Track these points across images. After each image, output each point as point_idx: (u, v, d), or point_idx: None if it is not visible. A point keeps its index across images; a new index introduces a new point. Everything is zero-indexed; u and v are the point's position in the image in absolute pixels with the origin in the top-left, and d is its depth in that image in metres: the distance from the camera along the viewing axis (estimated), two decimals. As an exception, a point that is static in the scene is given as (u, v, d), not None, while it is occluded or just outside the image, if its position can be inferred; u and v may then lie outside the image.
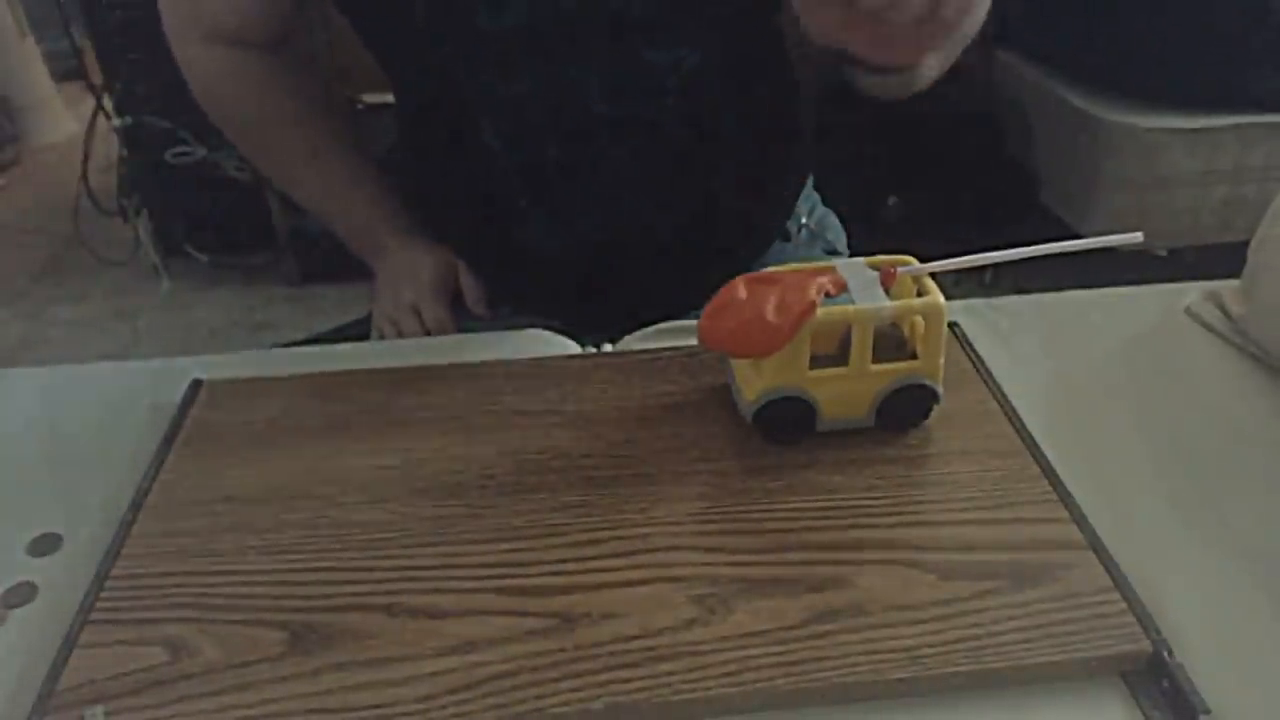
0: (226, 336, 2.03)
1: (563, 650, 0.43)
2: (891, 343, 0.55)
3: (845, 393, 0.54)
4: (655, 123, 0.73)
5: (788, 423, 0.54)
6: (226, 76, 0.78)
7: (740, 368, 0.56)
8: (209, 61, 0.77)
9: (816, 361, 0.52)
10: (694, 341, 0.59)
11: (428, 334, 0.81)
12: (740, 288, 0.52)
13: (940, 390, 0.54)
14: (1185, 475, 0.55)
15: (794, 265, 0.54)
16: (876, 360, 0.53)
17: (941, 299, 0.52)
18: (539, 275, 0.81)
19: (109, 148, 2.12)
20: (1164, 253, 1.79)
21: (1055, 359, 0.64)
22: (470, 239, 0.83)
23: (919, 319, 0.54)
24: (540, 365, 0.63)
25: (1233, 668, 0.43)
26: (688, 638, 0.44)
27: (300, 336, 2.00)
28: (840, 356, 0.53)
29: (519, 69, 0.70)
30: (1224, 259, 0.71)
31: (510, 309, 0.84)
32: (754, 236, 0.83)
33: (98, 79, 2.01)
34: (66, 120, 2.83)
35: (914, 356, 0.54)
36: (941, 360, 0.54)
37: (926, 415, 0.55)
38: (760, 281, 0.52)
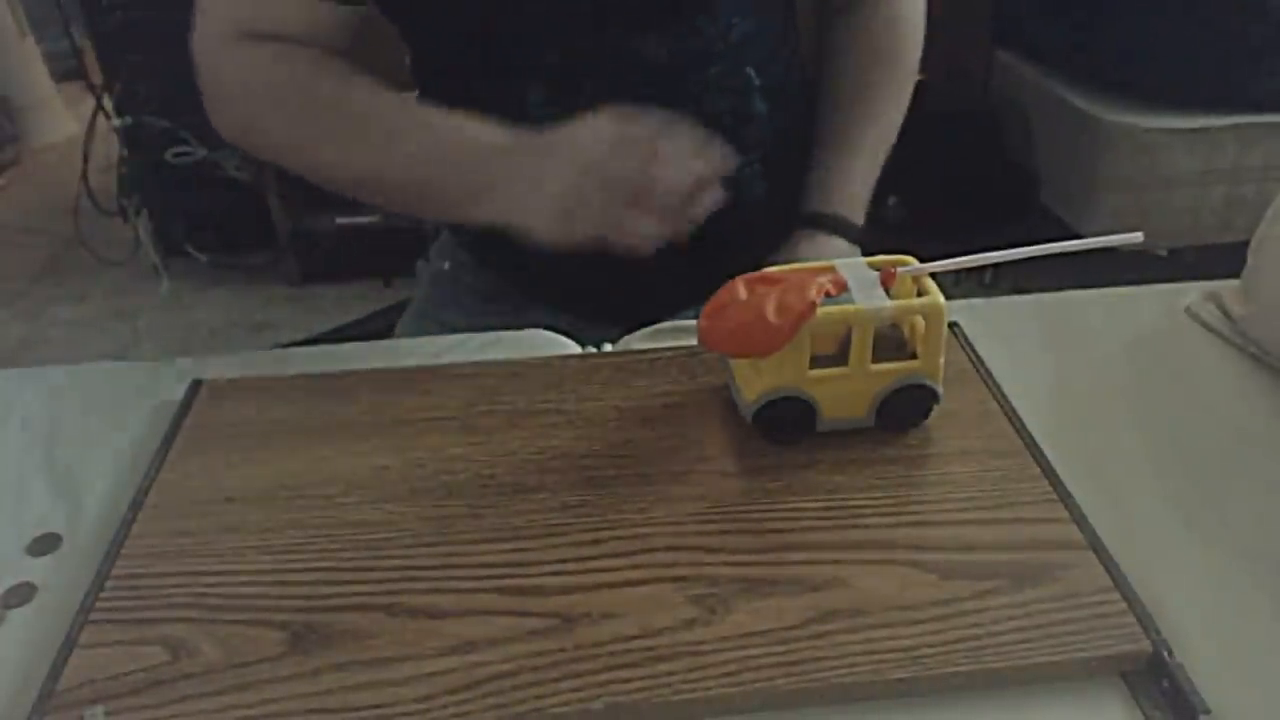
0: (226, 336, 2.03)
1: (563, 650, 0.43)
2: (891, 343, 0.55)
3: (845, 393, 0.54)
4: (694, 95, 0.73)
5: (788, 423, 0.54)
6: (274, 63, 0.70)
7: (740, 368, 0.56)
8: (255, 54, 0.70)
9: (816, 361, 0.52)
10: (694, 341, 0.59)
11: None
12: (740, 288, 0.52)
13: (940, 390, 0.54)
14: (1185, 475, 0.55)
15: (794, 265, 0.54)
16: (876, 360, 0.53)
17: (942, 299, 0.52)
18: (560, 259, 0.80)
19: (109, 148, 2.12)
20: (1164, 253, 1.79)
21: (1055, 359, 0.64)
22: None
23: (919, 319, 0.54)
24: (540, 365, 0.63)
25: (1233, 668, 0.43)
26: (688, 638, 0.44)
27: (300, 336, 2.01)
28: (840, 356, 0.53)
29: (579, 31, 0.70)
30: (1224, 259, 0.71)
31: (522, 296, 0.84)
32: (773, 228, 0.83)
33: (98, 79, 2.01)
34: (66, 120, 2.83)
35: (914, 356, 0.54)
36: (942, 360, 0.54)
37: (926, 415, 0.55)
38: (760, 281, 0.52)
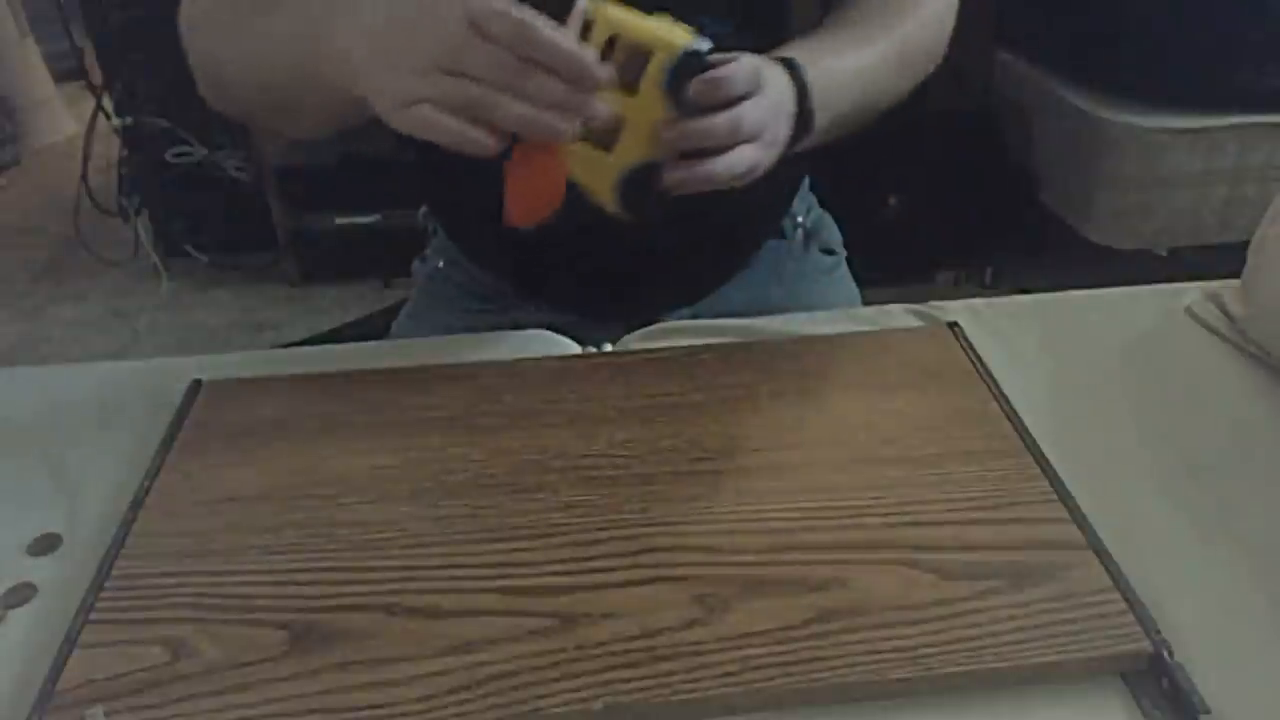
0: (226, 336, 2.03)
1: (563, 650, 0.43)
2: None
3: (644, 134, 0.51)
4: None
5: (646, 193, 0.52)
6: None
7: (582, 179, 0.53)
8: None
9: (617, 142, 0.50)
10: (694, 341, 0.59)
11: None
12: (508, 171, 0.51)
13: (700, 46, 0.49)
14: (1185, 475, 0.55)
15: None
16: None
17: None
18: (554, 255, 0.79)
19: (109, 148, 2.12)
20: (1164, 253, 1.79)
21: (1055, 359, 0.64)
22: (489, 221, 0.79)
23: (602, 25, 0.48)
24: (540, 365, 0.63)
25: (1233, 668, 0.43)
26: (688, 638, 0.44)
27: (300, 336, 2.01)
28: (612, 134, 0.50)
29: None
30: (1224, 259, 0.71)
31: (517, 294, 0.83)
32: (750, 230, 0.82)
33: (98, 79, 2.01)
34: (66, 120, 2.83)
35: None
36: (661, 24, 0.49)
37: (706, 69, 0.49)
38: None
